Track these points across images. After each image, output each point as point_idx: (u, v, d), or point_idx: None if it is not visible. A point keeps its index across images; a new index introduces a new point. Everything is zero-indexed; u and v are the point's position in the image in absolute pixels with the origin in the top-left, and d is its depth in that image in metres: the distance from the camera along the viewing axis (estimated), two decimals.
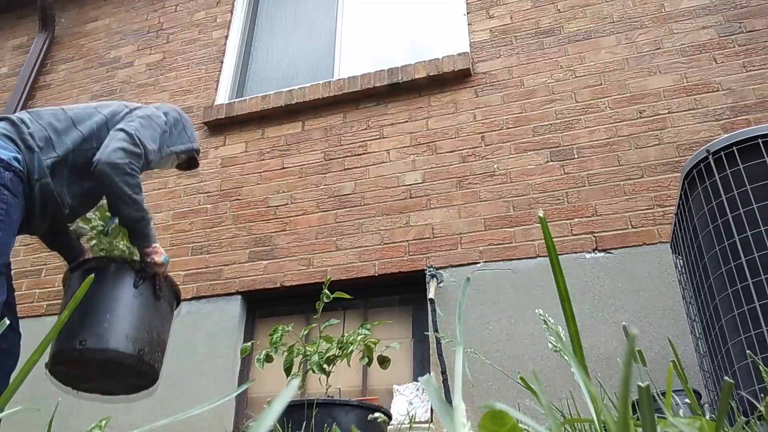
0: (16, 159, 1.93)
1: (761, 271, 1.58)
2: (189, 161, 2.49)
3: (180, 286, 3.59)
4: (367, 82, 3.80)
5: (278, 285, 3.40)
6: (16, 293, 2.13)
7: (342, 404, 1.92)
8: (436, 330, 2.90)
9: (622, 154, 3.14)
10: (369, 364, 2.09)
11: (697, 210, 1.84)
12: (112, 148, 2.01)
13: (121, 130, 2.08)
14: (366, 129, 3.74)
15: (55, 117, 2.09)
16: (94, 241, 2.17)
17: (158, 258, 2.06)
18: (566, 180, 3.17)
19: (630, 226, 2.95)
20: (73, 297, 0.42)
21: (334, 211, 3.51)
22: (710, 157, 1.78)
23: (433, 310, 2.95)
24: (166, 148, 2.26)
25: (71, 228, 2.19)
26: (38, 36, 5.09)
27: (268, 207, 3.68)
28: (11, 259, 1.96)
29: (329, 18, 4.47)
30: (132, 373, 1.97)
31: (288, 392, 0.28)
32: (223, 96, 4.30)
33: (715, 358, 1.77)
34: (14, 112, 4.62)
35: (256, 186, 3.78)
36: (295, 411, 1.81)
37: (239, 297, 3.46)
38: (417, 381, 2.97)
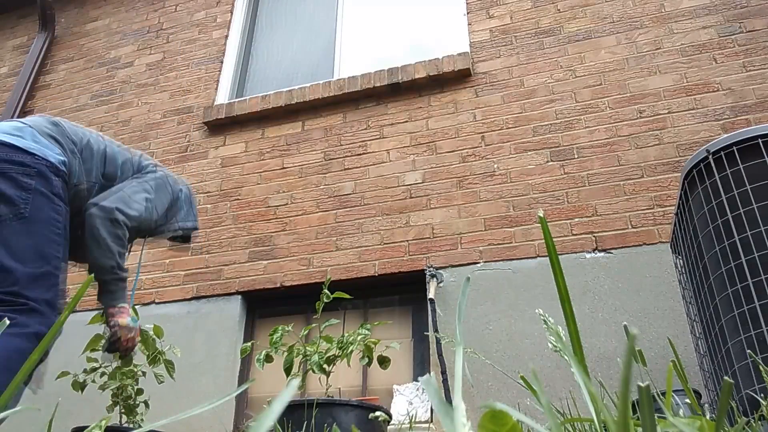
0: (63, 163, 1.85)
1: (761, 271, 1.58)
2: (184, 238, 2.42)
3: (180, 286, 3.62)
4: (367, 82, 3.80)
5: (278, 285, 3.40)
6: None
7: (342, 404, 1.91)
8: (436, 330, 2.90)
9: (622, 154, 3.14)
10: (369, 364, 2.09)
11: (697, 210, 1.84)
12: (115, 198, 1.95)
13: (137, 184, 2.03)
14: (366, 129, 3.74)
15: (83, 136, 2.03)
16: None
17: (122, 320, 1.93)
18: (566, 180, 3.17)
19: (630, 226, 2.95)
20: (74, 297, 0.42)
21: (334, 211, 3.51)
22: (710, 157, 1.78)
23: (433, 310, 2.95)
24: (174, 222, 2.21)
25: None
26: (38, 36, 5.09)
27: (268, 207, 3.68)
28: None
29: (329, 18, 4.47)
30: None
31: (288, 392, 0.28)
32: (223, 96, 4.30)
33: (715, 358, 1.77)
34: (14, 112, 4.62)
35: (256, 186, 3.78)
36: (295, 411, 1.81)
37: (239, 297, 3.46)
38: (417, 381, 2.97)
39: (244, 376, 3.29)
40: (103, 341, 2.00)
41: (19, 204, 1.72)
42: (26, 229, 1.72)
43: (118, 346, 1.97)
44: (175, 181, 2.26)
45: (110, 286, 1.93)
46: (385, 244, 3.31)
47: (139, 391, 2.22)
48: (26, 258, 1.69)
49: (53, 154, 1.83)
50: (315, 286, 3.14)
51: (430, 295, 2.98)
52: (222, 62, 4.42)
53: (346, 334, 2.07)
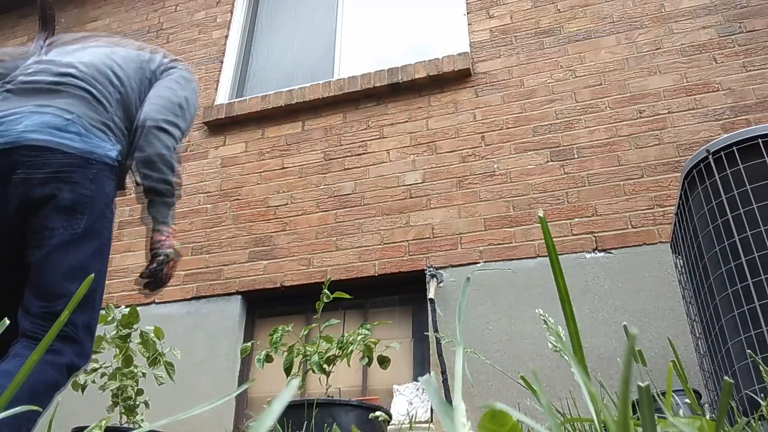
0: (117, 155, 1.71)
1: (761, 271, 1.58)
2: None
3: (180, 286, 3.62)
4: (367, 82, 3.80)
5: (278, 285, 3.40)
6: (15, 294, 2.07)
7: (342, 404, 1.92)
8: (436, 330, 2.90)
9: (622, 154, 3.14)
10: (369, 364, 2.09)
11: (697, 210, 1.84)
12: (166, 109, 1.81)
13: (177, 88, 1.90)
14: (366, 129, 3.74)
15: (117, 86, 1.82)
16: None
17: (177, 242, 1.79)
18: (566, 180, 3.17)
19: (630, 226, 2.95)
20: (74, 296, 0.42)
21: (334, 211, 3.51)
22: (710, 157, 1.78)
23: (433, 310, 2.95)
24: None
25: None
26: (38, 36, 5.08)
27: (268, 207, 3.68)
28: None
29: (329, 18, 4.47)
30: None
31: (288, 392, 0.28)
32: (223, 96, 4.30)
33: (715, 358, 1.77)
34: None
35: (256, 186, 3.78)
36: (295, 411, 1.81)
37: (239, 297, 3.46)
38: (417, 381, 2.97)
39: (244, 376, 3.29)
40: (152, 266, 1.77)
41: (76, 216, 1.59)
42: (78, 243, 1.58)
43: (166, 272, 1.78)
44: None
45: (167, 204, 1.82)
46: (385, 244, 3.31)
47: (140, 392, 2.22)
48: (74, 276, 1.56)
49: (108, 148, 1.68)
50: (315, 286, 3.14)
51: (430, 295, 2.99)
52: (222, 62, 4.42)
53: (346, 334, 2.07)
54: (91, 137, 1.66)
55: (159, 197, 1.80)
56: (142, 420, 2.19)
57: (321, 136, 3.82)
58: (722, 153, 1.76)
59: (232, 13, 4.66)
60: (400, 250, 3.27)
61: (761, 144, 1.70)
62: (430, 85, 3.72)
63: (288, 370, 2.05)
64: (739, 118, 3.03)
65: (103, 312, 2.16)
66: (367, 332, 2.07)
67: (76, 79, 1.74)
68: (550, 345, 0.75)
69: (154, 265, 1.76)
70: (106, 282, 3.79)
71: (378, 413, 1.82)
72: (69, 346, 1.49)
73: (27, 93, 1.69)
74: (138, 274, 1.83)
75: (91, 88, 1.74)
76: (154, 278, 1.78)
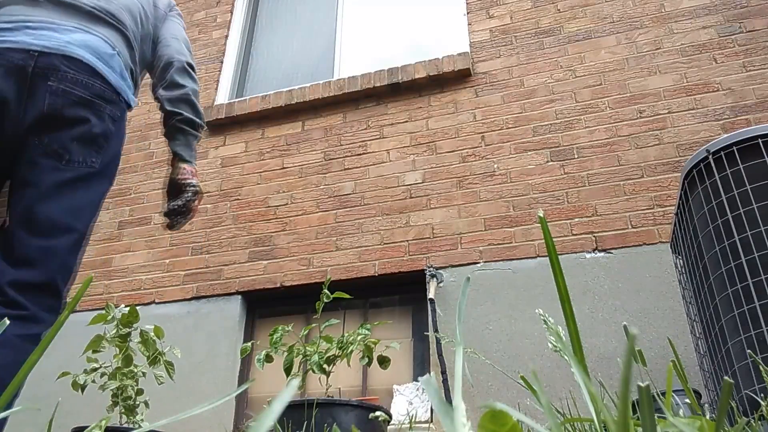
0: (131, 107, 1.67)
1: (761, 271, 1.58)
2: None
3: (180, 286, 3.62)
4: (367, 82, 3.80)
5: (278, 285, 3.40)
6: None
7: (342, 404, 1.91)
8: (436, 330, 2.90)
9: (622, 154, 3.14)
10: (369, 364, 2.09)
11: (697, 210, 1.84)
12: (186, 50, 1.87)
13: (181, 27, 1.93)
14: (366, 129, 3.74)
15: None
16: None
17: (199, 181, 1.82)
18: (566, 180, 3.17)
19: (630, 226, 2.95)
20: (74, 296, 0.42)
21: (334, 211, 3.51)
22: (710, 157, 1.78)
23: (433, 310, 2.95)
24: None
25: None
26: None
27: (268, 207, 3.68)
28: None
29: (329, 18, 4.47)
30: None
31: (288, 392, 0.28)
32: (223, 96, 4.30)
33: (715, 358, 1.77)
34: None
35: (256, 186, 3.78)
36: (295, 411, 1.81)
37: (239, 297, 3.46)
38: (417, 381, 2.97)
39: (244, 376, 3.29)
40: (175, 203, 1.77)
41: (98, 150, 1.51)
42: (90, 179, 1.50)
43: (196, 205, 1.82)
44: None
45: (196, 140, 1.85)
46: (385, 244, 3.31)
47: (140, 392, 2.22)
48: (81, 213, 1.48)
49: (130, 93, 1.66)
50: (315, 286, 3.14)
51: (430, 295, 2.99)
52: (222, 62, 4.42)
53: (346, 334, 2.07)
54: (126, 78, 1.65)
55: (194, 131, 1.83)
56: (142, 420, 2.19)
57: (321, 136, 3.82)
58: (722, 153, 1.76)
59: (232, 13, 4.66)
60: (400, 250, 3.27)
61: (761, 144, 1.70)
62: (430, 85, 3.72)
63: (288, 370, 2.05)
64: (739, 118, 3.03)
65: (102, 312, 2.16)
66: (367, 332, 2.07)
67: (113, 15, 1.69)
68: (550, 345, 0.75)
69: (188, 194, 1.79)
70: (106, 282, 3.80)
71: (378, 413, 1.82)
72: (53, 315, 1.42)
73: (65, 9, 1.60)
74: (164, 212, 1.84)
75: (125, 27, 1.71)
76: (185, 210, 1.80)
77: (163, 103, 1.84)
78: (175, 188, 1.82)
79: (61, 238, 1.44)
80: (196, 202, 1.82)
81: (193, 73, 1.89)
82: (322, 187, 3.63)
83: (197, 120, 1.86)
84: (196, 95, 1.87)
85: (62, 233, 1.45)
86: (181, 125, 1.82)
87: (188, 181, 1.81)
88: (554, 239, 3.05)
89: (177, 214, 1.81)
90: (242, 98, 4.17)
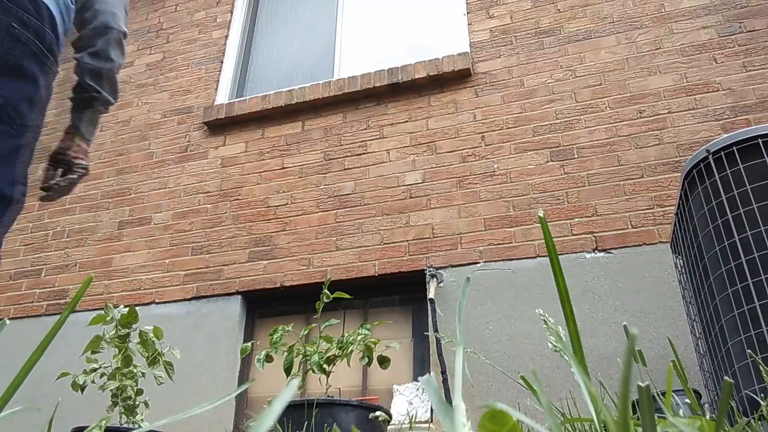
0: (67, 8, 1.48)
1: (761, 271, 1.58)
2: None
3: (180, 286, 3.62)
4: (367, 82, 3.80)
5: (278, 285, 3.40)
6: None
7: (342, 404, 1.91)
8: (436, 330, 2.90)
9: (622, 154, 3.14)
10: (369, 364, 2.09)
11: (697, 210, 1.84)
12: (120, 16, 1.67)
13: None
14: (366, 129, 3.74)
15: None
16: None
17: (88, 162, 1.69)
18: (566, 180, 3.17)
19: (630, 226, 2.95)
20: (74, 297, 0.42)
21: (334, 211, 3.51)
22: (710, 157, 1.78)
23: (433, 310, 2.95)
24: None
25: None
26: None
27: (268, 207, 3.68)
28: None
29: (329, 18, 4.47)
30: None
31: (288, 392, 0.28)
32: (223, 96, 4.30)
33: (715, 358, 1.77)
34: None
35: (256, 186, 3.78)
36: (295, 411, 1.81)
37: (239, 297, 3.46)
38: (417, 381, 2.97)
39: (244, 376, 3.29)
40: (72, 176, 1.69)
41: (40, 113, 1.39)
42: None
43: (74, 185, 1.72)
44: None
45: (99, 119, 1.74)
46: (385, 244, 3.31)
47: (139, 392, 2.22)
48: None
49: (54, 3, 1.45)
50: (315, 286, 3.14)
51: (430, 295, 2.99)
52: (222, 62, 4.42)
53: (346, 334, 2.07)
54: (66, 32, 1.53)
55: (104, 110, 1.73)
56: (141, 420, 2.19)
57: (321, 136, 3.82)
58: (722, 153, 1.76)
59: (232, 13, 4.66)
60: (400, 250, 3.27)
61: (761, 144, 1.70)
62: (430, 85, 3.72)
63: (288, 370, 2.05)
64: (739, 118, 3.03)
65: (102, 312, 2.16)
66: (367, 332, 2.07)
67: None
68: (550, 345, 0.75)
69: (75, 175, 1.71)
70: (106, 282, 3.79)
71: (378, 413, 1.82)
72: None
73: None
74: (42, 184, 1.72)
75: None
76: (67, 187, 1.72)
77: (84, 73, 1.70)
78: (62, 163, 1.71)
79: None
80: (78, 182, 1.73)
81: (125, 44, 1.72)
82: (322, 187, 3.63)
83: (113, 100, 1.74)
84: (120, 70, 1.72)
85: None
86: (94, 103, 1.71)
87: (80, 161, 1.72)
88: (554, 239, 3.05)
89: (58, 191, 1.72)
90: (242, 98, 4.17)
